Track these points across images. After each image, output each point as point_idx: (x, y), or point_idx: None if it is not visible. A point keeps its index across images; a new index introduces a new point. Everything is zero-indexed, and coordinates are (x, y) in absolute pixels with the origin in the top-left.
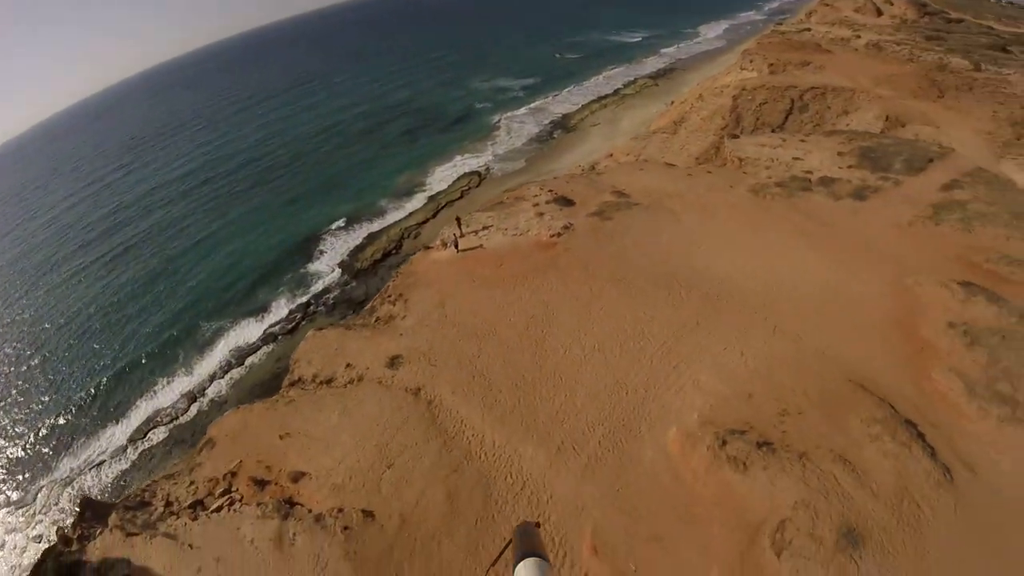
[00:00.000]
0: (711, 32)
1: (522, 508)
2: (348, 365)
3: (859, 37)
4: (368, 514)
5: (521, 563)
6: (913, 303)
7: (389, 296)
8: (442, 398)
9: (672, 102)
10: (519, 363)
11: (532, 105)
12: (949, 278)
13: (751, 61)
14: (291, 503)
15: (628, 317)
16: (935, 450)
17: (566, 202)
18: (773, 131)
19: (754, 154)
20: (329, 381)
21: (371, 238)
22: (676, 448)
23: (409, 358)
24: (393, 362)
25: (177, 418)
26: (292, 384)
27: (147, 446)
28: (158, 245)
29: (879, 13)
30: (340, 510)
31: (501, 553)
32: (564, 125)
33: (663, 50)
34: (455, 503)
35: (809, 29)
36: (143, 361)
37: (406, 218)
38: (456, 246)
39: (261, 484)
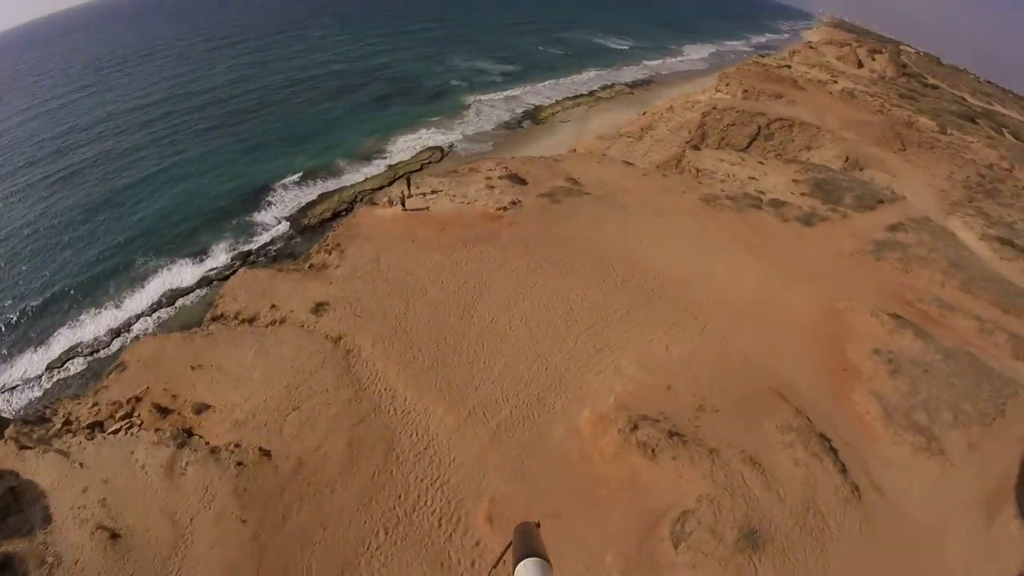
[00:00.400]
0: (695, 53)
1: (423, 468)
2: (273, 306)
3: (836, 82)
4: (265, 453)
5: (521, 563)
6: (842, 325)
7: (327, 245)
8: (361, 349)
9: (644, 112)
10: (444, 325)
11: (507, 92)
12: (881, 309)
13: (727, 84)
14: (190, 433)
15: (560, 297)
16: (846, 467)
17: (519, 180)
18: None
19: (712, 167)
20: (252, 320)
21: (323, 197)
22: (588, 428)
23: (335, 306)
24: (318, 308)
25: (98, 351)
26: (214, 319)
27: (63, 375)
28: (107, 174)
29: (860, 65)
30: (237, 445)
31: (502, 555)
32: (535, 117)
33: (645, 62)
34: (356, 454)
35: (789, 66)
36: (71, 291)
37: (362, 182)
38: (403, 204)
39: (164, 412)
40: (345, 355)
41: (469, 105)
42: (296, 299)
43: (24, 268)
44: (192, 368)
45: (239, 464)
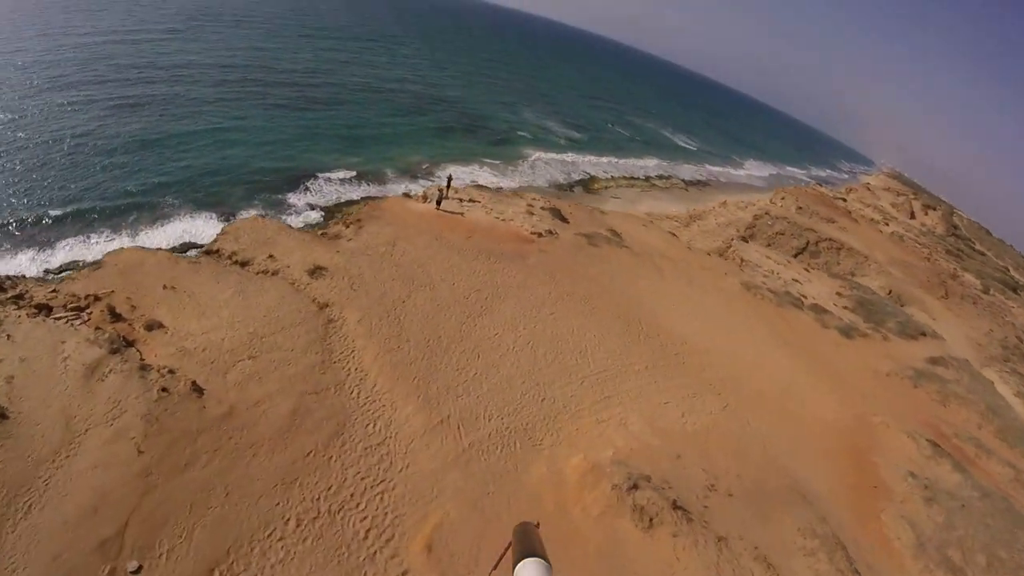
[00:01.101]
0: (756, 170)
1: (369, 464)
2: (271, 256)
3: (887, 224)
4: (197, 389)
5: (521, 563)
6: (872, 440)
7: (346, 220)
8: (345, 321)
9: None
10: (442, 324)
11: (568, 156)
12: (919, 433)
13: (782, 198)
14: (129, 344)
15: (576, 333)
16: None
17: (560, 216)
18: None
19: (757, 260)
20: (245, 263)
21: (364, 199)
22: (575, 476)
23: (333, 273)
24: (315, 271)
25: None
26: (208, 252)
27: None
28: (166, 116)
29: (912, 216)
30: (171, 371)
31: (502, 556)
32: (587, 185)
33: (706, 165)
34: (297, 424)
35: (845, 200)
36: (93, 212)
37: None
38: (438, 203)
39: (116, 317)
40: (326, 323)
41: (528, 157)
42: (296, 256)
43: (55, 176)
44: (164, 287)
45: (163, 390)
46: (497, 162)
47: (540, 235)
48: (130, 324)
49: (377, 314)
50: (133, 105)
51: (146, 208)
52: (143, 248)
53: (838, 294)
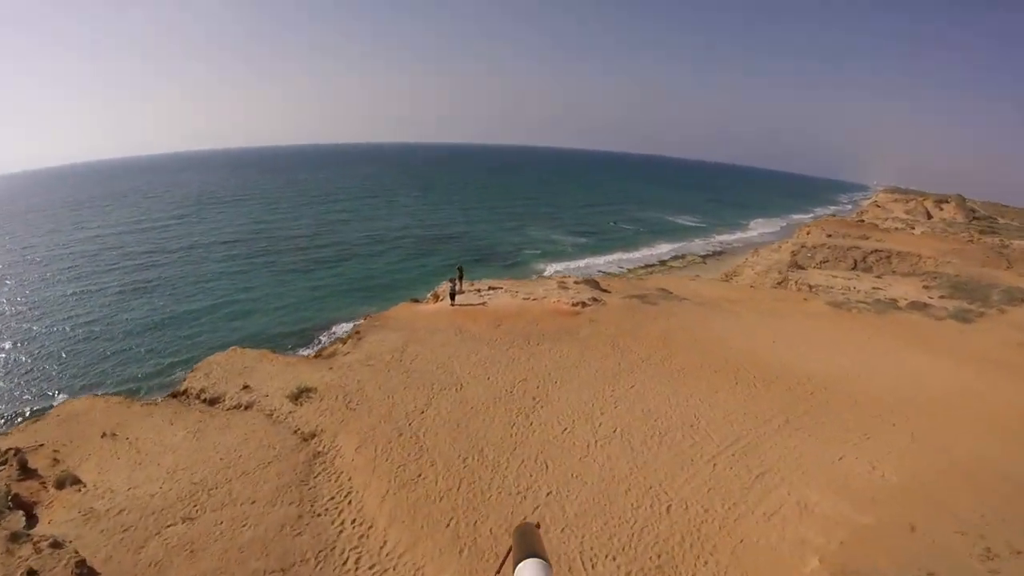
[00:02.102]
0: (764, 228)
1: None
2: (245, 387)
3: (913, 229)
4: (84, 570)
5: (521, 564)
6: None
7: (344, 337)
8: (339, 452)
9: (696, 276)
10: (481, 432)
11: (580, 261)
12: None
13: (808, 232)
14: (28, 504)
15: (673, 403)
16: None
17: (598, 287)
18: None
19: (826, 283)
20: (215, 401)
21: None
22: None
23: (323, 394)
24: (300, 395)
25: None
26: (175, 395)
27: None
28: (175, 296)
29: (929, 216)
30: (57, 544)
31: (503, 561)
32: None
33: (715, 236)
34: None
35: (863, 221)
36: (90, 379)
37: None
38: (452, 298)
39: (26, 473)
40: (311, 458)
41: (541, 271)
42: (277, 382)
43: (62, 366)
44: (104, 435)
45: (31, 573)
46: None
47: (584, 305)
48: (41, 481)
49: (385, 435)
50: (143, 289)
51: (156, 389)
52: (95, 395)
53: (925, 287)
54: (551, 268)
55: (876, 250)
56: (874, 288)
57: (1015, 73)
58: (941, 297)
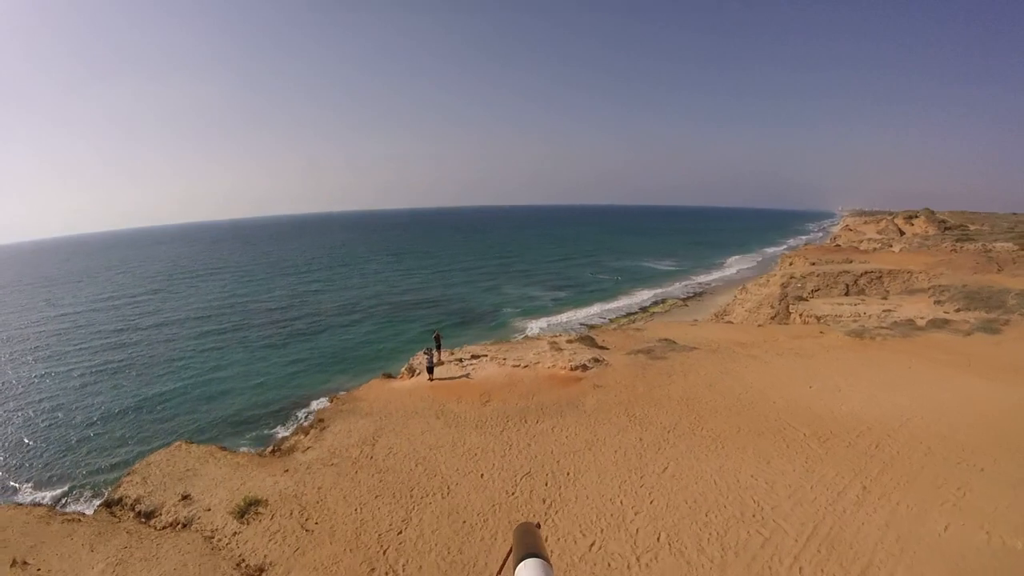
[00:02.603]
0: (740, 264)
1: None
2: (185, 497)
3: (892, 246)
4: None
5: (522, 563)
6: None
7: (306, 425)
8: None
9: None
10: (480, 558)
11: (560, 316)
12: None
13: (790, 263)
14: None
15: (720, 483)
16: None
17: (595, 344)
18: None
19: (833, 311)
20: (150, 515)
21: (331, 398)
22: None
23: (275, 509)
24: (247, 510)
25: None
26: (109, 504)
27: None
28: (145, 377)
29: (901, 232)
30: None
31: (504, 562)
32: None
33: (693, 277)
34: None
35: (840, 246)
36: (65, 494)
37: None
38: (429, 372)
39: None
40: None
41: (519, 329)
42: (222, 491)
43: (22, 459)
44: (13, 563)
45: None
46: (492, 343)
47: (584, 368)
48: None
49: (352, 572)
50: (112, 370)
51: (108, 485)
52: (17, 504)
53: (937, 303)
54: (533, 325)
55: (866, 272)
56: (884, 311)
57: (962, 79)
58: (957, 310)
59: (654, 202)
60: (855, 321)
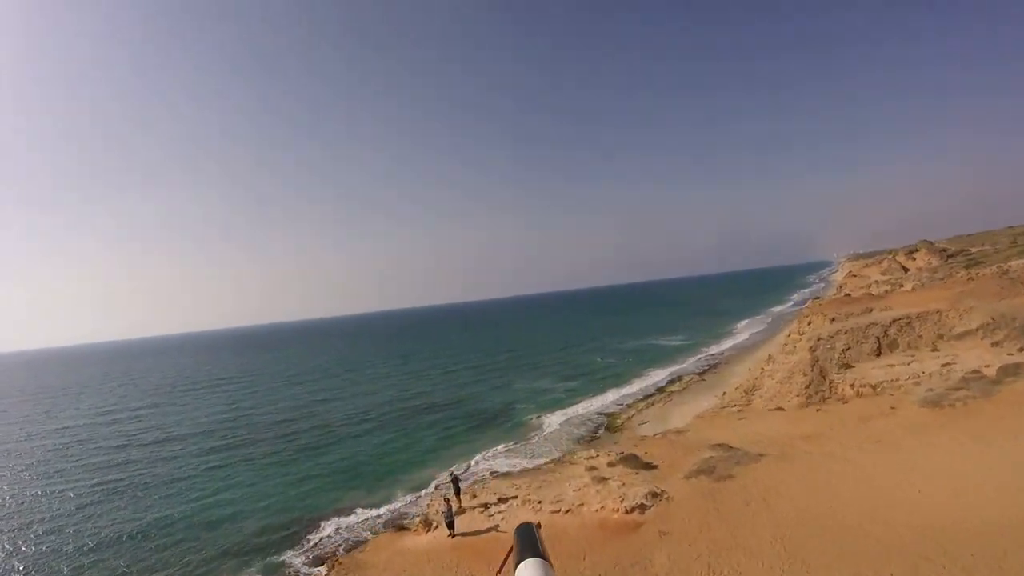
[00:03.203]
0: (749, 329)
1: None
2: None
3: (903, 285)
4: None
5: (522, 563)
6: None
7: None
8: None
9: (723, 393)
10: None
11: (574, 407)
12: None
13: (809, 323)
14: None
15: None
16: None
17: (643, 464)
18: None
19: (887, 376)
20: None
21: (376, 533)
22: None
23: None
24: None
25: None
26: None
27: None
28: (147, 499)
29: (906, 270)
30: None
31: (504, 561)
32: (609, 424)
33: (705, 349)
34: None
35: (849, 295)
36: None
37: (416, 515)
38: (450, 525)
39: None
40: None
41: (534, 425)
42: None
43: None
44: None
45: None
46: (505, 444)
47: (642, 508)
48: None
49: None
50: (112, 491)
51: None
52: None
53: (995, 344)
54: (549, 421)
55: (894, 320)
56: (943, 366)
57: (928, 90)
58: (1020, 349)
59: (649, 277)
60: (917, 383)
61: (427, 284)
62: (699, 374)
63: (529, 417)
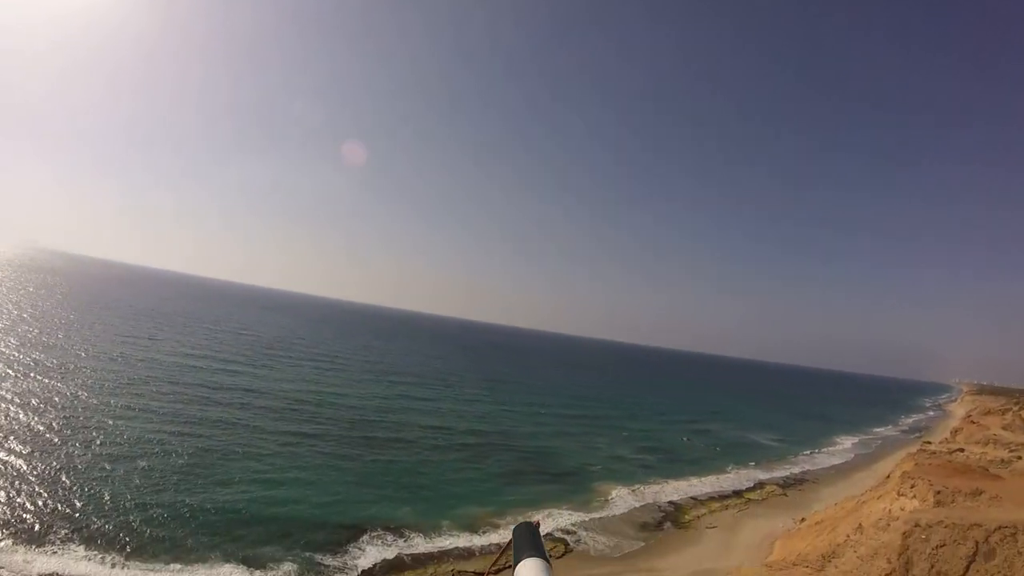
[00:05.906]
0: (844, 445)
1: None
2: None
3: (1020, 458)
4: None
5: (521, 563)
6: None
7: None
8: None
9: (802, 519)
10: None
11: (646, 485)
12: None
13: (911, 486)
14: None
15: None
16: None
17: None
18: None
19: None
20: None
21: (416, 561)
22: None
23: None
24: None
25: None
26: None
27: None
28: (216, 462)
29: None
30: None
31: (501, 554)
32: (676, 519)
33: (794, 457)
34: None
35: (962, 450)
36: (115, 543)
37: (463, 559)
38: None
39: None
40: None
41: (603, 495)
42: None
43: (85, 491)
44: None
45: None
46: (568, 506)
47: None
48: None
49: None
50: (187, 443)
51: (170, 550)
52: None
53: None
54: (616, 493)
55: (1000, 527)
56: None
57: None
58: None
59: (767, 358)
60: None
61: (558, 312)
62: (782, 486)
63: (598, 484)
